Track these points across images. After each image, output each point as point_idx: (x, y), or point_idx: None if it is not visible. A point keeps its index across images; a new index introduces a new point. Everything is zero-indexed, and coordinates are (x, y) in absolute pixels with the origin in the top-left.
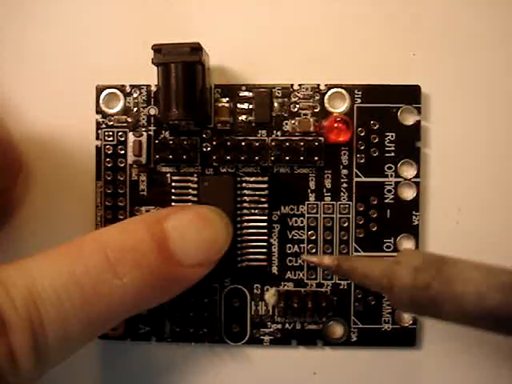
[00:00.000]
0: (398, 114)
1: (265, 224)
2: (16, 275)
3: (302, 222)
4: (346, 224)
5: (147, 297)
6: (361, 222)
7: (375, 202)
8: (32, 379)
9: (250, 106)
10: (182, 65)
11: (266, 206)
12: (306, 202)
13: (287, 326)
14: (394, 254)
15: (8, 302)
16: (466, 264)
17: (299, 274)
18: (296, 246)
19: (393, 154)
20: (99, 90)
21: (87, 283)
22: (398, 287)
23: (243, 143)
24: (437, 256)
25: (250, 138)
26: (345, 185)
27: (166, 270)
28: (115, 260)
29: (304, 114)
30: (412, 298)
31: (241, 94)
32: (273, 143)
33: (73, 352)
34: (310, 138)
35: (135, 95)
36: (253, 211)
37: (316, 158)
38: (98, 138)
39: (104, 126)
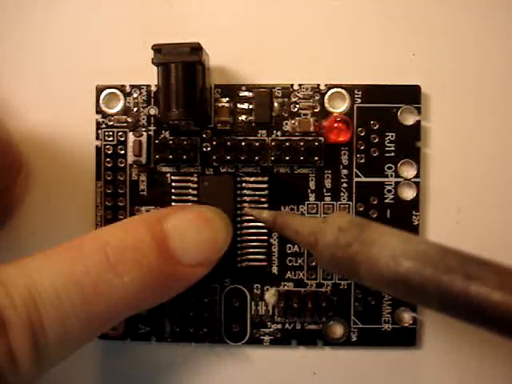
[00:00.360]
0: (398, 114)
1: None
2: (16, 275)
3: None
4: None
5: (147, 296)
6: None
7: (375, 202)
8: (32, 379)
9: (250, 106)
10: (182, 65)
11: (266, 206)
12: (306, 202)
13: (287, 326)
14: None
15: (8, 301)
16: (388, 230)
17: (299, 274)
18: (296, 246)
19: (393, 154)
20: (99, 90)
21: (87, 283)
22: (321, 244)
23: (243, 143)
24: (363, 220)
25: (250, 138)
26: (345, 185)
27: (166, 270)
28: (115, 259)
29: (304, 114)
30: (332, 255)
31: (241, 94)
32: (273, 143)
33: (72, 352)
34: (310, 138)
35: (135, 95)
36: None
37: (316, 158)
38: (97, 138)
39: (104, 125)
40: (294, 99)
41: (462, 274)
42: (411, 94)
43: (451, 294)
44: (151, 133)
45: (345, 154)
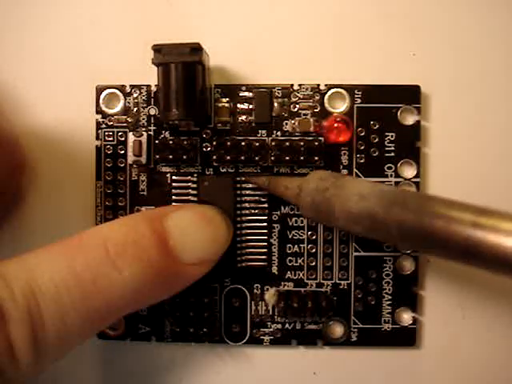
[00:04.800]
0: (398, 113)
1: (265, 224)
2: (16, 269)
3: (302, 222)
4: None
5: (147, 292)
6: None
7: None
8: (31, 374)
9: (250, 106)
10: (182, 65)
11: (265, 205)
12: None
13: (287, 325)
14: (395, 254)
15: (8, 294)
16: (359, 178)
17: (299, 274)
18: (296, 246)
19: (393, 154)
20: (99, 90)
21: (87, 277)
22: (304, 192)
23: (243, 143)
24: (340, 173)
25: (250, 138)
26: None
27: (166, 266)
28: (115, 254)
29: (304, 114)
30: (313, 199)
31: (241, 94)
32: (273, 143)
33: (72, 347)
34: (310, 138)
35: (135, 95)
36: (253, 211)
37: (316, 158)
38: (98, 138)
39: (104, 125)
40: (294, 99)
41: (417, 208)
42: (411, 94)
43: (407, 225)
44: (151, 133)
45: (345, 154)
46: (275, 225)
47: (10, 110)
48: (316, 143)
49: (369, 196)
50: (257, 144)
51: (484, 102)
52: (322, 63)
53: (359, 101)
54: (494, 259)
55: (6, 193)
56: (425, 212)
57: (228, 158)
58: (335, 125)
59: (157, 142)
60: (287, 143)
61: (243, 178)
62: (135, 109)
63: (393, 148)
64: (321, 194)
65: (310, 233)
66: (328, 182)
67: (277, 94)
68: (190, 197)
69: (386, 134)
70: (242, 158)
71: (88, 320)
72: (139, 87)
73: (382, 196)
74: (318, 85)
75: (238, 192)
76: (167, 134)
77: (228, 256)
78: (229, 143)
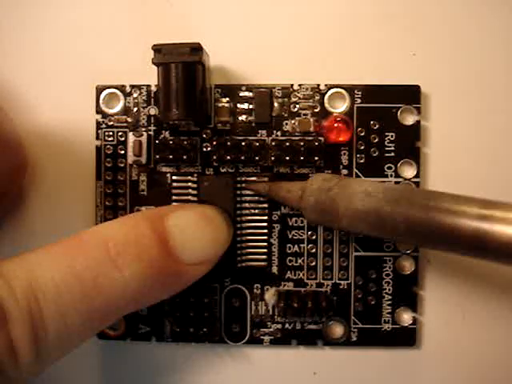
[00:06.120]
0: (398, 113)
1: (265, 224)
2: (17, 268)
3: (301, 221)
4: None
5: (147, 292)
6: None
7: None
8: (31, 374)
9: (250, 106)
10: (182, 65)
11: (265, 205)
12: None
13: (287, 325)
14: (395, 254)
15: (9, 294)
16: (362, 179)
17: (299, 274)
18: (296, 246)
19: (393, 154)
20: (99, 90)
21: (87, 277)
22: (307, 192)
23: (243, 143)
24: (344, 176)
25: (250, 138)
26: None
27: (166, 266)
28: (116, 253)
29: (304, 114)
30: (317, 199)
31: (241, 94)
32: (273, 143)
33: (72, 347)
34: (310, 138)
35: (135, 95)
36: (253, 211)
37: (316, 158)
38: (98, 138)
39: (104, 125)
40: (294, 99)
41: (423, 203)
42: (411, 94)
43: (414, 220)
44: (151, 133)
45: (345, 154)
46: (275, 225)
47: (11, 110)
48: (316, 143)
49: (375, 193)
50: (257, 144)
51: (484, 101)
52: (322, 63)
53: (359, 101)
54: (504, 250)
55: (8, 193)
56: (431, 206)
57: (228, 157)
58: (335, 125)
59: (157, 142)
60: (287, 143)
61: (243, 185)
62: (135, 109)
63: (393, 148)
64: (324, 193)
65: (309, 233)
66: (332, 182)
67: (277, 93)
68: (189, 197)
69: (386, 133)
70: (242, 158)
71: (88, 320)
72: (139, 87)
73: (388, 192)
74: (318, 85)
75: (238, 192)
76: (167, 134)
77: (228, 256)
78: (229, 143)
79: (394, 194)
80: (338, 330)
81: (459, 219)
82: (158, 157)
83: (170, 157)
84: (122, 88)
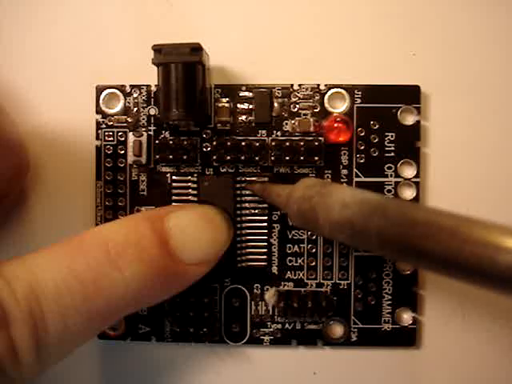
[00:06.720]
0: (398, 113)
1: (265, 224)
2: (18, 270)
3: None
4: None
5: (148, 292)
6: None
7: None
8: (32, 374)
9: (250, 106)
10: (182, 65)
11: (265, 205)
12: None
13: (287, 325)
14: None
15: (9, 295)
16: (344, 186)
17: (299, 274)
18: (296, 246)
19: (393, 154)
20: (99, 90)
21: (88, 278)
22: (291, 200)
23: (243, 143)
24: (327, 180)
25: (250, 138)
26: (345, 185)
27: (166, 266)
28: (116, 254)
29: (304, 114)
30: (299, 207)
31: (241, 94)
32: (273, 143)
33: (73, 348)
34: (310, 138)
35: (135, 95)
36: (253, 211)
37: (316, 158)
38: (98, 138)
39: (104, 125)
40: (294, 99)
41: (396, 217)
42: (411, 94)
43: (388, 234)
44: (151, 133)
45: (345, 154)
46: (275, 225)
47: (11, 110)
48: (316, 143)
49: (351, 204)
50: (257, 144)
51: (484, 101)
52: (322, 63)
53: (359, 101)
54: (476, 269)
55: (10, 194)
56: (404, 221)
57: (228, 158)
58: (335, 125)
59: (157, 141)
60: (287, 143)
61: (243, 185)
62: (135, 109)
63: (393, 148)
64: (307, 202)
65: (309, 233)
66: (313, 189)
67: (277, 93)
68: (190, 197)
69: (386, 133)
70: (242, 158)
71: (89, 320)
72: (139, 87)
73: (363, 204)
74: (318, 85)
75: (238, 192)
76: (167, 134)
77: (228, 256)
78: (229, 143)
79: (369, 205)
80: (338, 329)
81: (432, 235)
82: (157, 157)
83: (170, 157)
84: (121, 88)
